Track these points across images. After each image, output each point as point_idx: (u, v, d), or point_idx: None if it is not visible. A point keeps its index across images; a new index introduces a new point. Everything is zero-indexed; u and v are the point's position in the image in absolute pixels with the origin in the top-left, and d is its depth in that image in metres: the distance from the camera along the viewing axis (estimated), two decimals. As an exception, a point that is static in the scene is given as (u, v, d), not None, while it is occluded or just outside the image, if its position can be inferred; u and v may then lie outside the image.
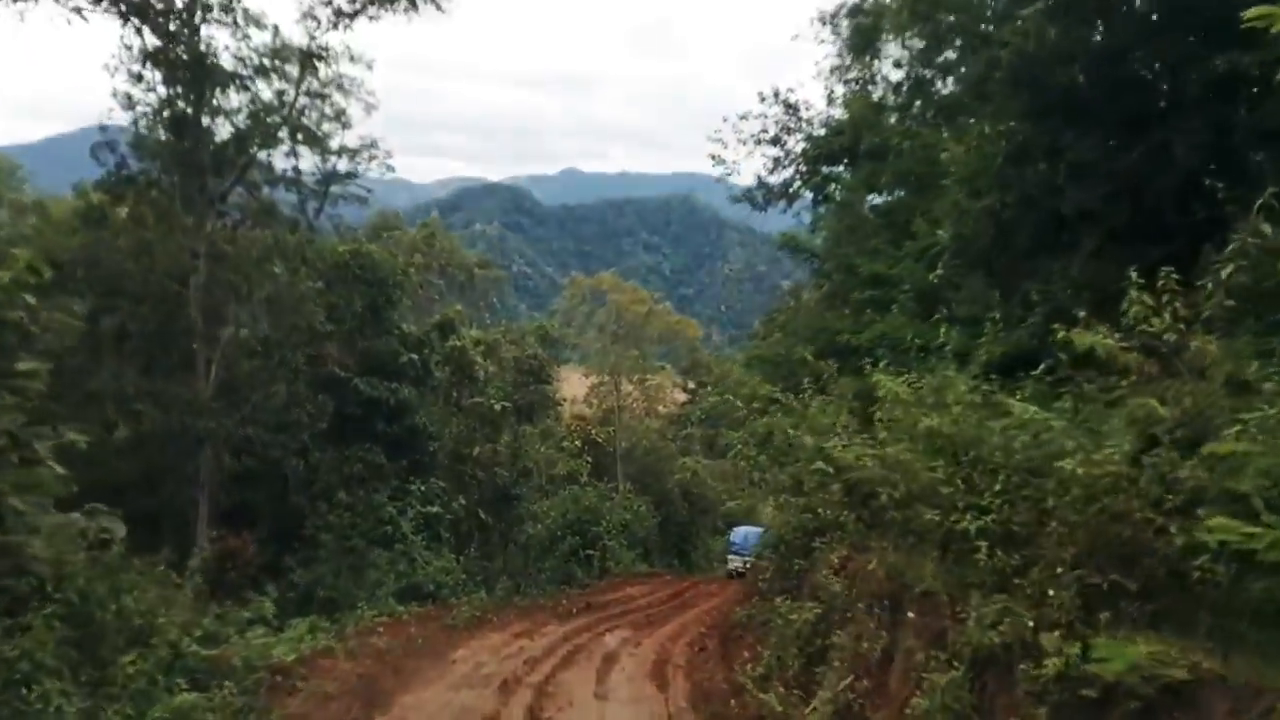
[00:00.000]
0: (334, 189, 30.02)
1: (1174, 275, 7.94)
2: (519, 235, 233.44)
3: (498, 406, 30.46)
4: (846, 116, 27.91)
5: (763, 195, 30.95)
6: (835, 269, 24.53)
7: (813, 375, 17.20)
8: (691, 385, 70.25)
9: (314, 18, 25.22)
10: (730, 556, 39.13)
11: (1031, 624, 8.20)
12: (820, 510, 14.54)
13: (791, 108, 29.76)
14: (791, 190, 31.85)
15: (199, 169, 21.10)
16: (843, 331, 21.39)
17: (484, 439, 31.69)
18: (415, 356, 28.78)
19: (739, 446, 16.96)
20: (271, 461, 21.86)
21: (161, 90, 22.31)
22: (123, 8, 22.06)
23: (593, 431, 52.49)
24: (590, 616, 26.17)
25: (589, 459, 47.71)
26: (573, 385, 55.86)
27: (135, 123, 21.76)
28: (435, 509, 26.50)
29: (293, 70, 25.48)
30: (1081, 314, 8.81)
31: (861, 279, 22.99)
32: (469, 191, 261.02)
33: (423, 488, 26.54)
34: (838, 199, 26.30)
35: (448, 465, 30.95)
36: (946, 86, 24.16)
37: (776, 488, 16.70)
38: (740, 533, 39.70)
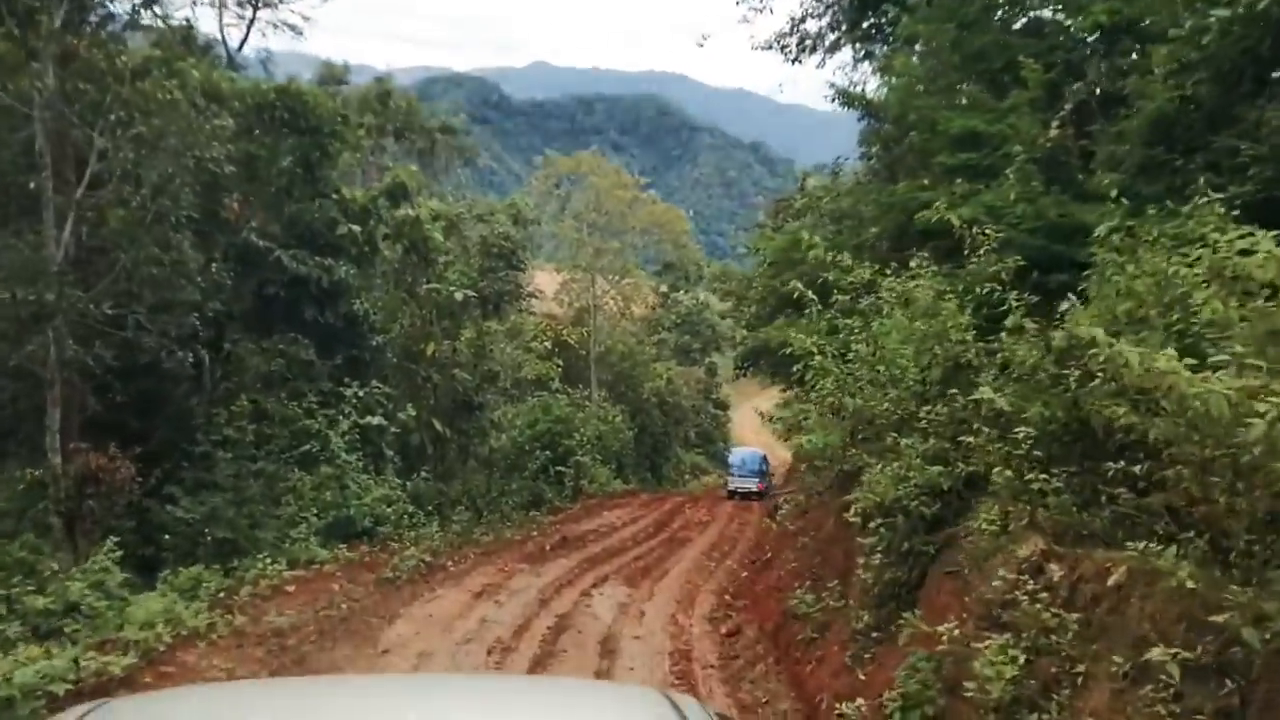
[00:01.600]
0: (264, 15, 23.72)
1: None
2: (485, 128, 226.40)
3: (459, 295, 24.73)
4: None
5: (797, 43, 24.96)
6: (909, 127, 18.81)
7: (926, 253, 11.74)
8: (664, 288, 64.83)
9: None
10: (730, 478, 39.89)
11: None
12: (963, 464, 9.22)
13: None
14: (829, 43, 25.98)
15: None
16: (932, 204, 15.77)
17: (441, 334, 26.02)
18: (357, 228, 22.85)
19: (817, 357, 11.43)
20: (153, 352, 16.14)
21: None
22: None
23: (564, 332, 46.94)
24: (568, 558, 20.99)
25: (559, 363, 42.30)
26: (541, 283, 50.09)
27: None
28: (377, 420, 20.84)
29: None
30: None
31: (947, 139, 17.38)
32: (435, 81, 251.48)
33: (361, 392, 20.84)
34: (910, 32, 20.33)
35: (396, 364, 25.32)
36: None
37: (867, 420, 11.26)
38: (739, 455, 41.63)
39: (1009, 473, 8.18)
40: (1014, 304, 8.77)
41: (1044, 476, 7.95)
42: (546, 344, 42.03)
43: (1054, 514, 7.95)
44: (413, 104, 36.16)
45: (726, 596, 15.92)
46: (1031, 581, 7.47)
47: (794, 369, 12.13)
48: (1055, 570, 7.32)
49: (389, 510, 19.24)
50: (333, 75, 37.97)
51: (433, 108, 58.57)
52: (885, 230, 18.12)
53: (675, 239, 57.21)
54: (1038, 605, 7.06)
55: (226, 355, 20.27)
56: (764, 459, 41.43)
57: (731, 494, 38.91)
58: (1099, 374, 7.92)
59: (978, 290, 10.92)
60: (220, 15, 21.76)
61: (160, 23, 18.10)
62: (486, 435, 28.35)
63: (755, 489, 38.55)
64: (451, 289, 25.11)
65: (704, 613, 15.21)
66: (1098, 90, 16.63)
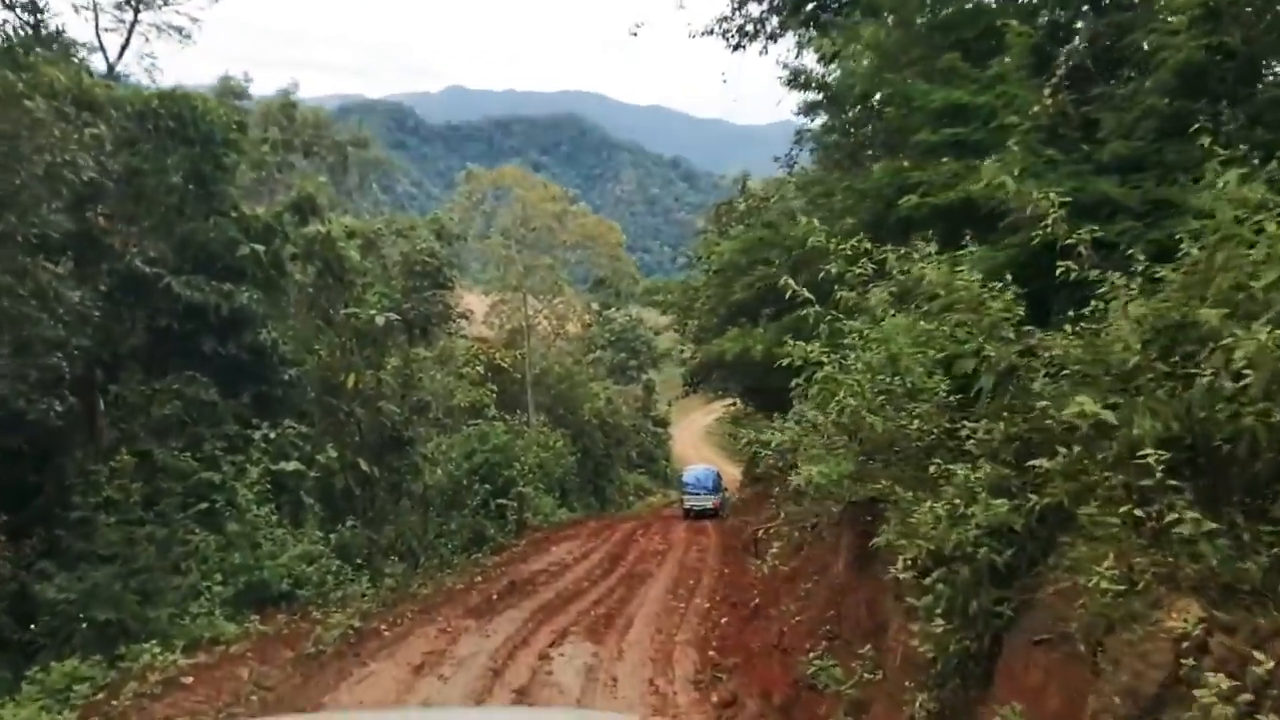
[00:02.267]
0: (146, 18, 21.04)
1: None
2: (403, 154, 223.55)
3: (381, 319, 22.21)
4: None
5: (738, 29, 22.97)
6: (881, 104, 16.90)
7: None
8: (595, 305, 62.81)
9: None
10: (685, 497, 39.61)
11: None
12: (1035, 495, 7.10)
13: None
14: (771, 29, 24.06)
15: None
16: (920, 187, 13.76)
17: (364, 363, 23.44)
18: (261, 248, 20.29)
19: (826, 368, 9.26)
20: (13, 401, 13.41)
21: None
22: None
23: (497, 355, 44.40)
24: (519, 608, 18.60)
25: (493, 388, 39.77)
26: (470, 305, 47.51)
27: None
28: (293, 465, 18.25)
29: None
30: None
31: (927, 115, 15.47)
32: (349, 109, 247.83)
33: (273, 434, 18.25)
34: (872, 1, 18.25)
35: (314, 400, 22.69)
36: None
37: (886, 443, 9.16)
38: (693, 473, 41.03)
39: (1136, 511, 6.09)
40: (1115, 284, 6.74)
41: (1193, 515, 5.86)
42: (479, 369, 39.56)
43: (1206, 566, 5.86)
44: (320, 117, 33.54)
45: (711, 652, 13.63)
46: (1202, 667, 5.35)
47: (794, 383, 9.97)
48: (1252, 654, 5.20)
49: (310, 569, 16.64)
50: (231, 90, 34.93)
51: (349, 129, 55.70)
52: (860, 221, 16.14)
53: (609, 251, 54.97)
54: (1230, 708, 4.93)
55: (116, 400, 17.61)
56: (718, 476, 40.88)
57: (688, 513, 38.32)
58: (1245, 371, 5.91)
59: (1006, 276, 8.92)
60: (96, 19, 19.03)
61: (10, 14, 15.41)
62: (420, 472, 25.77)
63: (711, 506, 38.19)
64: (372, 312, 22.57)
65: (687, 674, 12.91)
66: (1092, 52, 14.84)
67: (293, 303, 24.02)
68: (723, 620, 15.49)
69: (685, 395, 45.09)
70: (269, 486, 17.20)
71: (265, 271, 20.77)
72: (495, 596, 19.89)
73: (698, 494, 39.00)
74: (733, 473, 49.63)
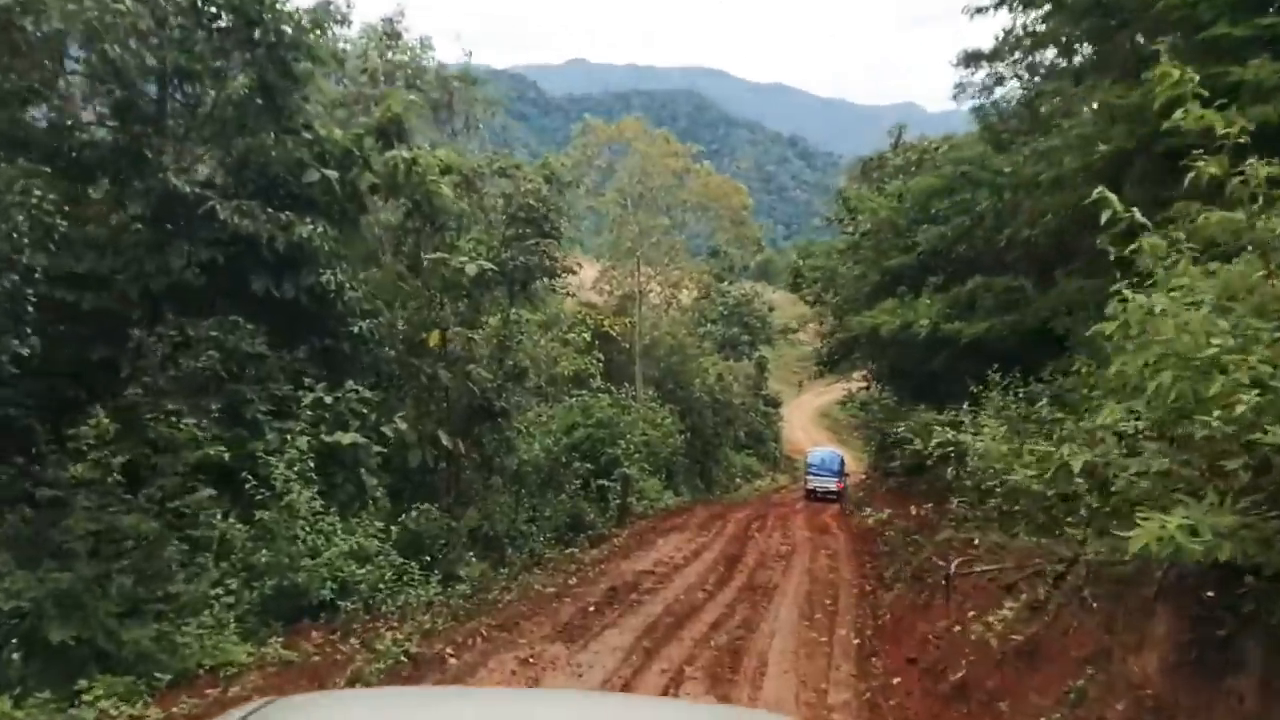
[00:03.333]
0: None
1: None
2: (523, 124, 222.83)
3: (472, 268, 18.66)
4: None
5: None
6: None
7: None
8: (708, 277, 58.74)
9: None
10: (809, 478, 41.49)
11: None
12: None
13: None
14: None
15: None
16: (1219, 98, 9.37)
17: (455, 319, 19.96)
18: (334, 175, 16.90)
19: (1212, 342, 5.17)
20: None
21: None
22: None
23: (605, 322, 40.87)
24: (620, 628, 14.95)
25: (600, 356, 36.28)
26: (576, 263, 43.96)
27: None
28: (349, 436, 14.74)
29: None
30: None
31: (1223, 3, 11.18)
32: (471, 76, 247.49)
33: (328, 399, 14.81)
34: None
35: (395, 359, 19.35)
36: None
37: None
38: (819, 455, 42.62)
39: None
40: None
41: None
42: (586, 335, 36.09)
43: None
44: (427, 48, 30.35)
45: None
46: None
47: (1115, 368, 5.92)
48: None
49: (361, 571, 13.13)
50: (331, 16, 31.54)
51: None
52: (1113, 152, 11.86)
53: (733, 215, 50.59)
54: None
55: (139, 349, 14.38)
56: (842, 460, 42.10)
57: (810, 493, 40.24)
58: None
59: None
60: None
61: None
62: (514, 447, 22.24)
63: (834, 488, 39.72)
64: (464, 261, 19.01)
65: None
66: None
67: (374, 244, 20.72)
68: (895, 681, 11.47)
69: (819, 374, 41.63)
70: (312, 464, 13.68)
71: (339, 203, 17.41)
72: (592, 608, 16.28)
73: (822, 475, 40.46)
74: (850, 462, 46.35)
